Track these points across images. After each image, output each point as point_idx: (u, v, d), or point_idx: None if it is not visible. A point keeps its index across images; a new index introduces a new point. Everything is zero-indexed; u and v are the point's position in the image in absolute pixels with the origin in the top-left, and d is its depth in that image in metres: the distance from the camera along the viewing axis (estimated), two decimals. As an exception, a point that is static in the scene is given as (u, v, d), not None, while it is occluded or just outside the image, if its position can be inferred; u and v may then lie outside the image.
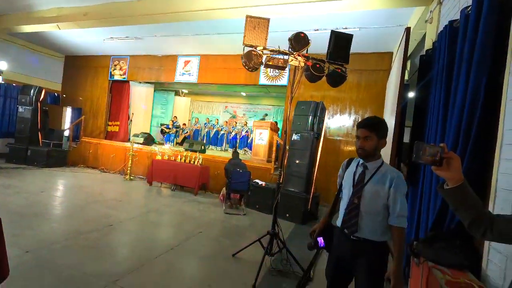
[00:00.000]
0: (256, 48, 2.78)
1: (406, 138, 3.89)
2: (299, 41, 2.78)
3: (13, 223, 3.34)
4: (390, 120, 3.41)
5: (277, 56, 2.79)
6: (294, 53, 2.79)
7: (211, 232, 4.00)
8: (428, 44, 3.30)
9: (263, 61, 2.82)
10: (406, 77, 5.27)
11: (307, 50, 2.90)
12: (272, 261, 2.96)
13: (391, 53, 5.99)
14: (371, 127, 1.56)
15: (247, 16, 2.76)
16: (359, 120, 6.29)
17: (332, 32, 2.90)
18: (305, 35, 2.81)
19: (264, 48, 2.79)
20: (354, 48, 5.88)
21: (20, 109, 7.75)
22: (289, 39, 2.82)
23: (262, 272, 2.72)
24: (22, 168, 6.98)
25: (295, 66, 2.88)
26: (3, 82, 6.56)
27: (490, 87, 1.80)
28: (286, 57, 2.82)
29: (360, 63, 6.32)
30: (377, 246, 1.56)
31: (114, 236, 3.48)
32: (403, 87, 2.83)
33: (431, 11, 3.41)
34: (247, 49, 2.78)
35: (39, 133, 7.92)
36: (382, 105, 5.57)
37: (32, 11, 5.96)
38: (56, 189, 5.60)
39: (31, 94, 7.69)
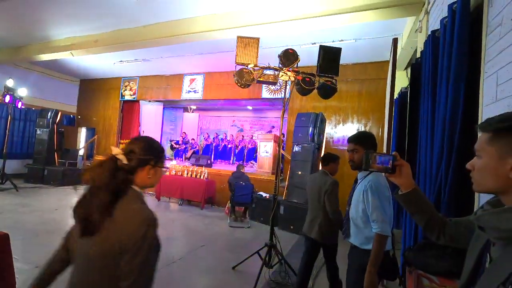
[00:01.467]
0: (247, 66, 2.93)
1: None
2: (288, 57, 2.91)
3: (26, 240, 3.53)
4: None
5: (267, 73, 2.92)
6: (284, 68, 2.91)
7: (214, 245, 4.04)
8: (418, 53, 3.35)
9: (255, 77, 2.95)
10: (405, 85, 5.31)
11: (297, 65, 3.02)
12: (271, 273, 2.97)
13: (388, 62, 6.04)
14: (356, 140, 1.74)
15: (238, 37, 2.93)
16: (362, 129, 6.33)
17: (321, 46, 3.02)
18: (293, 51, 2.94)
19: (255, 65, 2.93)
20: (353, 58, 6.11)
21: (38, 131, 8.23)
22: (279, 56, 2.95)
23: (260, 284, 2.74)
24: (39, 187, 7.34)
25: (286, 81, 2.99)
26: (23, 107, 7.02)
27: (468, 94, 1.84)
28: (276, 72, 2.95)
29: (360, 73, 6.39)
30: (360, 252, 1.60)
31: (120, 251, 3.59)
32: (393, 98, 2.87)
33: (420, 21, 3.49)
34: (239, 67, 2.93)
35: (55, 153, 8.34)
36: (384, 113, 5.58)
37: (48, 41, 6.46)
38: (70, 207, 5.79)
39: (48, 117, 8.18)
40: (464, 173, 1.82)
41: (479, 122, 1.70)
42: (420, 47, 3.26)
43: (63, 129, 8.91)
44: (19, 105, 6.71)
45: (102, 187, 0.96)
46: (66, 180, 7.86)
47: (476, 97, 1.78)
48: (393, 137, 3.60)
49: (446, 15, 2.24)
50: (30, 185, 7.47)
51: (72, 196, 6.73)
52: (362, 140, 1.73)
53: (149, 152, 1.04)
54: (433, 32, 2.48)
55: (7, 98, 6.40)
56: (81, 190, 1.06)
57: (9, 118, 6.99)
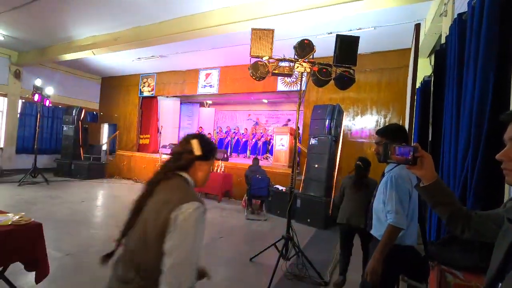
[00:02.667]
0: (262, 58, 2.90)
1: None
2: (303, 48, 2.85)
3: (57, 229, 3.78)
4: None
5: (282, 64, 2.88)
6: (300, 60, 2.86)
7: (232, 237, 4.12)
8: (443, 39, 3.16)
9: (270, 70, 2.92)
10: (428, 73, 5.05)
11: (313, 56, 2.95)
12: (288, 266, 2.99)
13: (410, 49, 5.75)
14: (381, 132, 1.76)
15: (252, 29, 2.90)
16: (382, 120, 6.12)
17: (337, 36, 2.93)
18: (309, 41, 2.87)
19: (270, 58, 2.90)
20: (372, 47, 5.89)
21: (65, 128, 8.69)
22: (294, 47, 2.90)
23: (277, 276, 2.77)
24: (67, 181, 7.78)
25: (302, 73, 2.94)
26: (51, 105, 7.42)
27: (498, 81, 1.72)
28: (292, 64, 2.90)
29: (379, 62, 6.15)
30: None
31: (142, 241, 3.75)
32: (415, 87, 2.74)
33: (445, 4, 3.28)
34: (253, 60, 2.91)
35: (80, 148, 8.78)
36: (405, 103, 5.35)
37: (71, 41, 6.74)
38: (95, 199, 6.15)
39: (73, 114, 8.60)
40: (493, 166, 1.73)
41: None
42: (445, 32, 3.07)
43: (87, 126, 9.35)
44: (47, 103, 7.09)
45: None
46: (91, 173, 8.28)
47: (506, 85, 1.66)
48: (415, 129, 3.45)
49: (475, -4, 2.09)
50: (59, 178, 7.94)
51: (97, 189, 7.08)
52: (388, 133, 1.73)
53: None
54: (460, 15, 2.32)
55: (36, 97, 6.78)
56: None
57: (38, 115, 7.41)
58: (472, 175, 1.82)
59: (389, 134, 1.72)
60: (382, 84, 6.15)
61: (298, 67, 2.86)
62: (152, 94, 9.58)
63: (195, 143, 1.09)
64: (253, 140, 10.91)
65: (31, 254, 1.81)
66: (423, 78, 3.90)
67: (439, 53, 3.01)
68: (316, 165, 4.98)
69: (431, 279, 2.06)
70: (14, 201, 5.18)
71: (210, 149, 1.14)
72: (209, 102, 13.37)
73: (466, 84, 2.05)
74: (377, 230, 1.67)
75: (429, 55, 5.32)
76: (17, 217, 2.00)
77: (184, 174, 1.08)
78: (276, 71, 2.85)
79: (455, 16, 2.52)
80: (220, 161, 6.83)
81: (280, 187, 5.55)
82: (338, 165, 5.07)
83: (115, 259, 1.05)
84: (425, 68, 5.05)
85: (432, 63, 5.17)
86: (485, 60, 1.78)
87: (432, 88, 3.38)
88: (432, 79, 3.36)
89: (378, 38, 5.43)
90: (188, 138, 1.13)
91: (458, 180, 1.97)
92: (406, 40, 5.54)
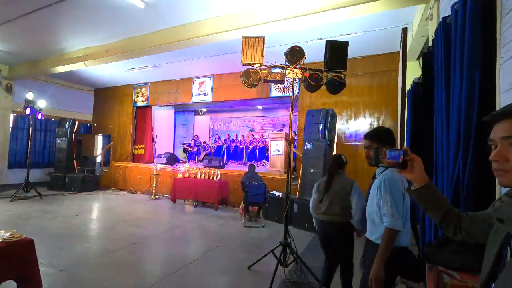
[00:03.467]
0: (254, 66, 2.93)
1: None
2: (294, 54, 2.88)
3: (50, 244, 3.69)
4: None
5: (274, 71, 2.91)
6: (291, 66, 2.89)
7: (230, 245, 4.08)
8: (430, 42, 3.24)
9: (262, 77, 2.95)
10: (418, 76, 5.14)
11: (304, 62, 2.99)
12: (287, 273, 2.96)
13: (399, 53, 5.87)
14: (370, 136, 1.78)
15: (243, 37, 2.94)
16: (375, 123, 6.19)
17: (327, 41, 2.98)
18: (300, 48, 2.91)
19: (262, 65, 2.92)
20: (362, 51, 5.99)
21: (58, 141, 8.59)
22: (285, 54, 2.93)
23: (276, 283, 2.73)
24: (61, 194, 7.65)
25: (294, 78, 2.97)
26: (43, 118, 7.35)
27: (484, 82, 1.76)
28: (283, 70, 2.93)
29: (370, 66, 6.25)
30: (375, 247, 1.59)
31: (139, 253, 3.69)
32: (405, 89, 2.79)
33: (430, 8, 3.36)
34: (245, 67, 2.93)
35: (74, 161, 8.68)
36: (397, 105, 5.43)
37: (63, 53, 6.72)
38: (90, 212, 6.05)
39: (67, 126, 8.52)
40: (483, 167, 1.75)
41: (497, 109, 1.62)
42: (431, 35, 3.14)
43: (80, 137, 9.26)
44: (39, 116, 7.01)
45: None
46: (86, 186, 8.16)
47: (492, 85, 1.70)
48: (408, 131, 3.49)
49: (457, 0, 2.15)
50: (52, 192, 7.81)
51: (92, 201, 6.98)
52: (376, 136, 1.75)
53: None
54: (444, 19, 2.38)
55: (28, 111, 6.70)
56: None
57: (30, 129, 7.32)
58: (464, 176, 1.84)
59: (377, 137, 1.74)
60: (374, 87, 6.24)
61: (289, 73, 2.89)
62: (146, 103, 9.56)
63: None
64: (251, 146, 10.90)
65: (24, 271, 1.77)
66: (413, 81, 3.96)
67: (427, 56, 3.08)
68: (312, 170, 4.99)
69: (429, 280, 2.06)
70: (5, 217, 5.07)
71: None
72: (204, 110, 13.39)
73: (454, 86, 2.09)
74: (372, 234, 1.67)
75: (418, 58, 5.43)
76: (7, 234, 1.95)
77: (341, 170, 2.52)
78: (268, 78, 2.87)
79: (440, 19, 2.59)
80: (216, 169, 6.80)
81: (277, 193, 5.53)
82: (334, 169, 5.08)
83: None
84: (414, 70, 5.15)
85: (421, 65, 5.30)
86: (470, 62, 1.83)
87: (422, 91, 3.44)
88: (422, 81, 3.43)
89: (368, 43, 5.54)
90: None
91: (450, 181, 1.99)
92: (395, 43, 5.65)
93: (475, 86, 1.79)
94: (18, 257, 1.78)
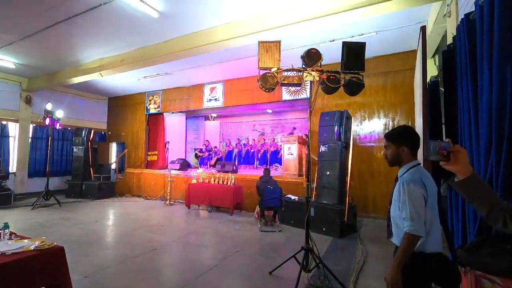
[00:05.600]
0: (270, 70, 2.93)
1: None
2: (311, 57, 2.87)
3: (73, 251, 3.75)
4: (419, 119, 3.28)
5: (291, 74, 2.90)
6: (308, 69, 2.88)
7: (248, 250, 4.05)
8: (449, 39, 3.17)
9: (279, 80, 2.94)
10: (435, 73, 5.03)
11: (320, 64, 2.97)
12: (309, 278, 2.91)
13: (415, 51, 5.76)
14: (388, 136, 1.71)
15: (259, 42, 2.95)
16: (390, 123, 6.08)
17: (344, 43, 2.95)
18: (316, 50, 2.90)
19: (278, 69, 2.92)
20: (375, 51, 5.93)
21: (75, 149, 8.82)
22: (302, 57, 2.93)
23: (300, 289, 2.69)
24: (79, 201, 7.82)
25: (311, 81, 2.95)
26: (60, 127, 7.58)
27: (516, 76, 1.70)
28: (300, 73, 2.92)
29: (383, 66, 6.17)
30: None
31: (158, 259, 3.71)
32: (426, 88, 2.73)
33: (448, 5, 3.30)
34: (262, 72, 2.94)
35: (91, 169, 8.87)
36: (413, 105, 5.32)
37: (79, 64, 6.94)
38: (108, 218, 6.15)
39: (83, 135, 8.75)
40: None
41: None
42: (451, 32, 3.08)
43: (96, 146, 9.48)
44: (58, 126, 7.23)
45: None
46: (102, 193, 8.33)
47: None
48: (428, 130, 3.41)
49: (481, -5, 2.10)
50: (71, 199, 7.99)
51: (109, 208, 7.10)
52: (393, 136, 1.69)
53: None
54: (467, 15, 2.33)
55: (47, 121, 6.92)
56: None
57: (49, 139, 7.55)
58: (498, 171, 1.77)
59: (394, 137, 1.67)
60: (388, 87, 6.15)
61: (307, 76, 2.88)
62: (159, 111, 9.72)
63: None
64: (262, 150, 10.89)
65: (56, 278, 1.80)
66: (430, 79, 3.89)
67: (447, 53, 3.01)
68: (328, 173, 4.93)
69: (464, 286, 1.98)
70: (28, 224, 5.21)
71: None
72: (214, 115, 13.50)
73: (482, 81, 2.03)
74: (398, 238, 1.60)
75: (433, 56, 5.33)
76: (37, 242, 2.00)
77: None
78: (286, 81, 2.86)
79: (461, 16, 2.53)
80: (230, 174, 6.81)
81: (293, 197, 5.48)
82: (350, 171, 5.01)
83: None
84: (430, 69, 5.04)
85: (437, 63, 5.20)
86: (500, 56, 1.77)
87: (443, 88, 3.36)
88: (442, 79, 3.35)
89: (381, 42, 5.48)
90: None
91: (483, 177, 1.92)
92: (408, 42, 5.57)
93: (506, 80, 1.73)
94: (51, 265, 1.81)
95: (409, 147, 1.62)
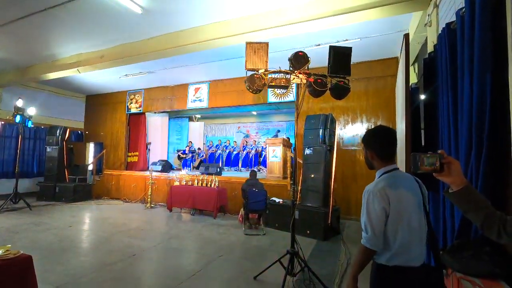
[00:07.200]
0: (258, 71, 2.90)
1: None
2: (298, 59, 2.87)
3: (44, 259, 3.50)
4: (401, 125, 3.37)
5: (279, 76, 2.88)
6: (295, 71, 2.87)
7: (232, 255, 3.97)
8: (430, 47, 3.29)
9: (266, 82, 2.91)
10: (415, 80, 5.22)
11: (308, 67, 2.97)
12: (294, 282, 2.88)
13: (396, 58, 5.97)
14: (362, 139, 1.61)
15: (247, 43, 2.91)
16: (372, 127, 6.24)
17: (331, 47, 2.98)
18: (304, 53, 2.90)
19: (266, 70, 2.89)
20: (358, 57, 6.06)
21: (48, 149, 8.31)
22: (289, 59, 2.92)
23: (285, 294, 2.65)
24: (51, 204, 7.36)
25: (298, 84, 2.95)
26: (33, 126, 7.10)
27: (495, 85, 1.77)
28: (288, 76, 2.91)
29: (366, 71, 6.33)
30: (373, 265, 1.47)
31: (138, 265, 3.54)
32: (409, 94, 2.81)
33: (429, 15, 3.43)
34: (249, 73, 2.89)
35: (65, 170, 8.39)
36: (393, 110, 5.50)
37: (55, 59, 6.55)
38: (83, 223, 5.82)
39: (57, 134, 8.26)
40: (497, 166, 1.74)
41: (511, 113, 1.63)
42: (432, 41, 3.19)
43: (72, 146, 8.99)
44: (29, 124, 6.78)
45: None
46: (78, 196, 7.89)
47: (504, 86, 1.71)
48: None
49: (461, 6, 2.19)
50: (42, 202, 7.50)
51: (85, 211, 6.73)
52: (362, 139, 1.60)
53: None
54: (448, 24, 2.42)
55: (17, 118, 6.47)
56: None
57: (19, 137, 7.06)
58: (477, 176, 1.83)
59: (364, 140, 1.57)
60: (370, 92, 6.32)
61: (294, 78, 2.87)
62: (140, 110, 9.40)
63: None
64: (244, 152, 10.84)
65: (21, 291, 1.64)
66: (411, 85, 4.02)
67: (428, 61, 3.12)
68: (313, 175, 4.96)
69: None
70: (-7, 230, 4.81)
71: None
72: (198, 116, 13.29)
73: (462, 88, 2.11)
74: None
75: (412, 64, 5.54)
76: (1, 251, 1.82)
77: None
78: (273, 83, 2.84)
79: (442, 25, 2.63)
80: (213, 176, 6.69)
81: (277, 200, 5.46)
82: (334, 174, 5.07)
83: None
84: (410, 76, 5.22)
85: (416, 71, 5.40)
86: (480, 64, 1.84)
87: (423, 95, 3.48)
88: (422, 85, 3.47)
89: (364, 49, 5.61)
90: None
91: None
92: (390, 49, 5.76)
93: (486, 88, 1.80)
94: (16, 275, 1.65)
95: (375, 151, 1.49)
